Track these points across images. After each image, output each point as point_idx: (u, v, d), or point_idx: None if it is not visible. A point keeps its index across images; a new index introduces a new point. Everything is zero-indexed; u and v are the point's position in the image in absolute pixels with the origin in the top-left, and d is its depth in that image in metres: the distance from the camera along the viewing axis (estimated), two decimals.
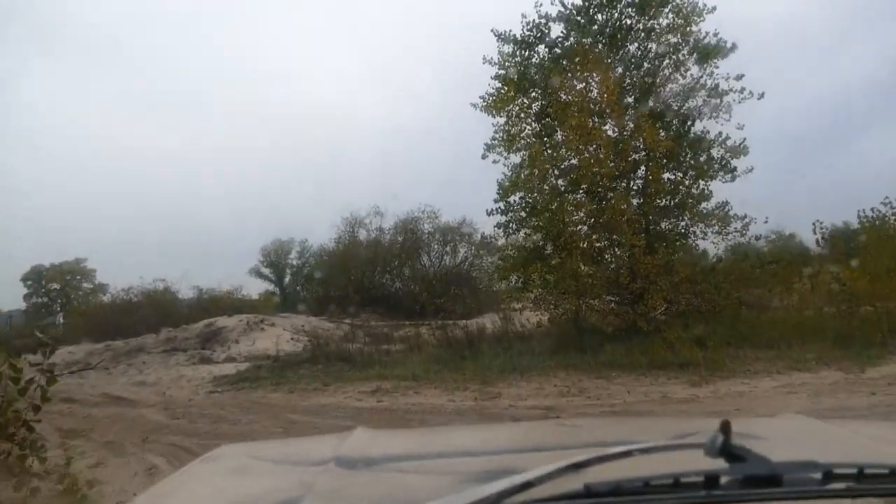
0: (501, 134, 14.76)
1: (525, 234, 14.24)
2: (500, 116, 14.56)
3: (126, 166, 70.25)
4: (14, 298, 45.94)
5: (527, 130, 14.62)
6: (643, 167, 13.19)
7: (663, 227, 13.46)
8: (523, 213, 14.34)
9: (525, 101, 14.50)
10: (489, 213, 14.18)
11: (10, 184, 67.31)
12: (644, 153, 12.90)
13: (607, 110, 12.55)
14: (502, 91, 14.31)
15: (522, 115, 14.60)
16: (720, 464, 0.94)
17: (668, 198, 13.40)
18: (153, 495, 1.55)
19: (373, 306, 29.95)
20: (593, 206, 12.87)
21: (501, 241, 15.07)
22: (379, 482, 1.30)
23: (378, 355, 13.77)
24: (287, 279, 54.66)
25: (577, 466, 0.95)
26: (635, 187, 13.43)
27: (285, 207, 66.15)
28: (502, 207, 14.26)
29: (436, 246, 32.26)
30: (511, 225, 14.09)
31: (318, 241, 35.80)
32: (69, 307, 43.35)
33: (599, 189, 13.37)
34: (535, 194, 14.11)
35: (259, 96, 77.42)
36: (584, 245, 13.58)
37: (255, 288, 46.83)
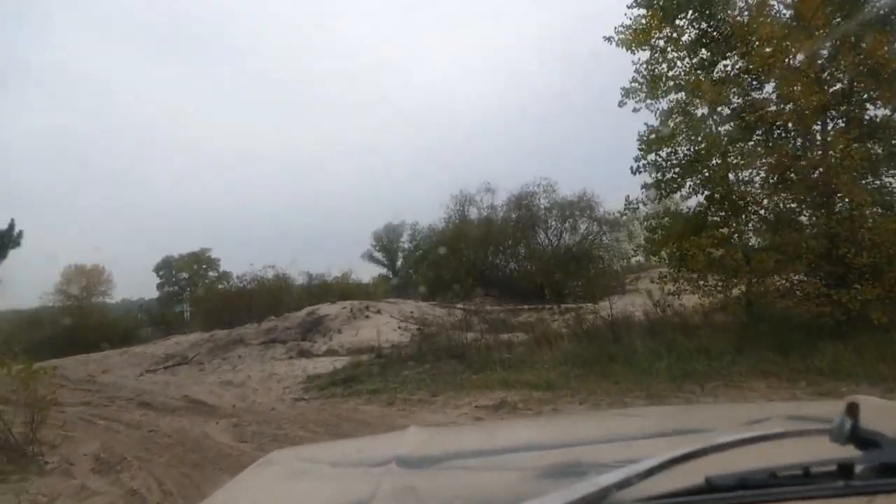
0: (644, 74, 11.58)
1: (682, 196, 11.02)
2: (643, 51, 11.38)
3: (247, 158, 71.86)
4: (149, 288, 47.27)
5: (678, 67, 11.36)
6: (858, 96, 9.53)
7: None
8: (675, 172, 11.13)
9: (674, 32, 11.25)
10: (635, 172, 11.05)
11: (144, 180, 70.47)
12: (861, 75, 9.21)
13: (807, 23, 9.05)
14: (645, 19, 11.12)
15: (671, 48, 11.34)
16: (851, 451, 0.82)
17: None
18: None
19: (486, 289, 27.33)
20: (779, 154, 9.46)
21: (645, 209, 11.86)
22: (446, 480, 1.19)
23: (497, 350, 11.06)
24: (399, 263, 53.58)
25: (689, 457, 0.82)
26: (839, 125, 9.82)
27: (397, 191, 65.08)
28: (653, 162, 11.10)
29: (553, 222, 29.08)
30: (664, 185, 10.90)
31: (429, 223, 33.45)
32: (195, 295, 44.39)
33: (785, 133, 9.95)
34: (697, 145, 10.87)
35: (371, 85, 77.02)
36: (765, 207, 10.19)
37: (369, 273, 45.55)
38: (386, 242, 53.75)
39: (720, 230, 10.42)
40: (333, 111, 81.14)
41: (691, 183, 10.99)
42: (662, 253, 11.37)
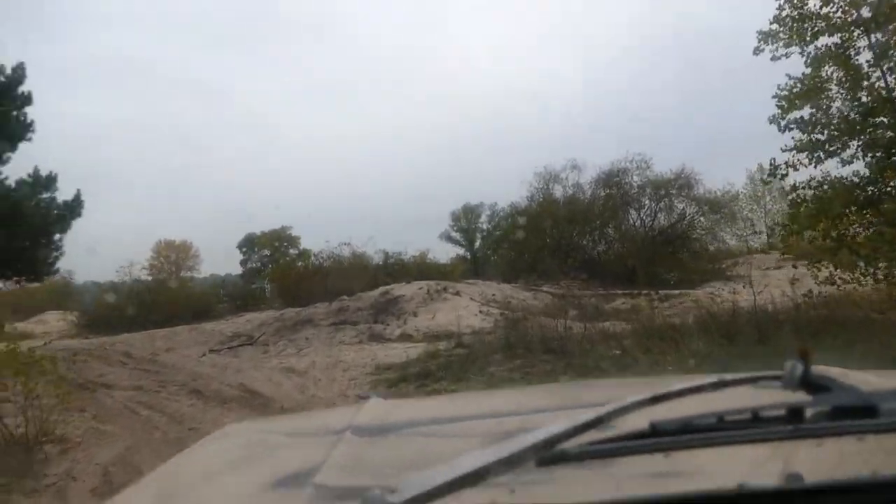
0: (789, 12, 9.22)
1: (842, 160, 8.63)
2: None
3: (330, 138, 71.84)
4: (236, 264, 47.95)
5: (834, 3, 8.94)
6: None
7: None
8: (831, 131, 8.77)
9: None
10: (783, 129, 8.76)
11: (225, 162, 71.61)
12: None
13: None
14: None
15: None
16: (802, 396, 0.84)
17: None
18: (161, 475, 1.30)
19: (573, 272, 25.17)
20: None
21: (788, 179, 9.45)
22: (401, 448, 1.19)
23: (601, 343, 9.08)
24: (477, 244, 51.99)
25: (637, 406, 0.81)
26: None
27: (476, 172, 63.29)
28: (801, 120, 8.79)
29: (647, 201, 26.47)
30: (819, 147, 8.57)
31: (511, 202, 31.38)
32: (272, 272, 44.44)
33: None
34: (856, 100, 8.51)
35: (452, 63, 75.28)
36: None
37: (447, 253, 44.12)
38: (464, 223, 52.21)
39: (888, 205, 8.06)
40: (414, 90, 80.00)
41: (856, 144, 8.62)
42: (811, 232, 9.03)
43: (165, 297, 21.36)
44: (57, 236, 13.74)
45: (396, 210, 57.96)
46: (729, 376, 0.97)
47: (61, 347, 16.51)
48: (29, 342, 20.92)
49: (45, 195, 13.29)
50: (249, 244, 50.25)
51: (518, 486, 0.72)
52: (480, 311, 15.02)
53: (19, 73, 12.92)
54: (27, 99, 12.90)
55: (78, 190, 14.05)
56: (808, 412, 0.79)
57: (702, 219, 25.80)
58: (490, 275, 30.28)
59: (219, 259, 76.23)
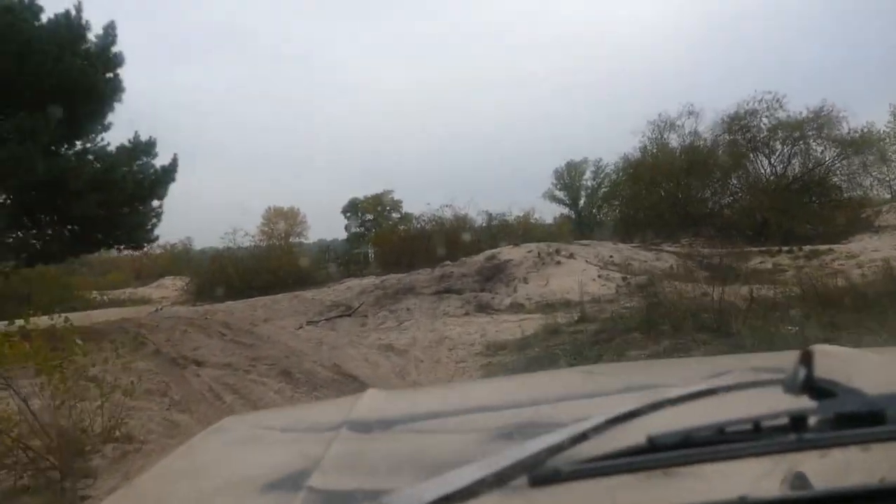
0: None
1: None
2: None
3: (430, 101, 70.54)
4: (341, 229, 48.43)
5: None
6: None
7: None
8: None
9: None
10: None
11: (336, 125, 71.98)
12: None
13: None
14: None
15: None
16: (805, 402, 0.76)
17: None
18: (158, 471, 1.29)
19: (694, 228, 22.58)
20: None
21: None
22: (397, 445, 1.14)
23: (763, 315, 7.11)
24: (582, 202, 49.51)
25: (633, 415, 0.75)
26: None
27: (578, 127, 60.05)
28: None
29: (779, 146, 23.22)
30: None
31: (620, 155, 28.73)
32: (374, 237, 44.19)
33: None
34: None
35: (552, 17, 71.52)
36: None
37: (549, 213, 42.05)
38: (567, 181, 49.79)
39: None
40: (517, 45, 76.89)
41: None
42: None
43: (269, 264, 20.84)
44: (155, 203, 13.18)
45: (497, 170, 56.20)
46: (730, 380, 0.92)
47: (168, 315, 16.27)
48: (143, 307, 21.25)
49: (144, 160, 12.65)
50: (353, 209, 50.51)
51: None
52: (599, 276, 13.18)
53: (111, 34, 12.18)
54: (119, 59, 12.18)
55: (175, 155, 13.39)
56: (812, 420, 0.71)
57: (844, 163, 22.31)
58: (598, 234, 28.11)
59: (328, 224, 77.61)
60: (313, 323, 12.26)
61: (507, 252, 15.68)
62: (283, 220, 55.36)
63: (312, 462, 0.98)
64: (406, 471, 0.96)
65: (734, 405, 0.85)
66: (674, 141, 25.87)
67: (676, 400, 0.79)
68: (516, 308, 11.57)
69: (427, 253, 21.96)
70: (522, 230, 25.37)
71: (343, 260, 27.83)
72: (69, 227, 11.79)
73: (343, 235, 49.30)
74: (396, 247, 26.07)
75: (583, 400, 1.28)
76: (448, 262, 16.07)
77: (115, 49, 12.07)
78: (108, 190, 10.80)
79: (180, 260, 38.76)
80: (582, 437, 0.70)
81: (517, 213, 28.61)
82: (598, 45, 69.19)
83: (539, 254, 14.93)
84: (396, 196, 48.40)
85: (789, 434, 0.70)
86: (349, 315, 12.42)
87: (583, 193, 49.67)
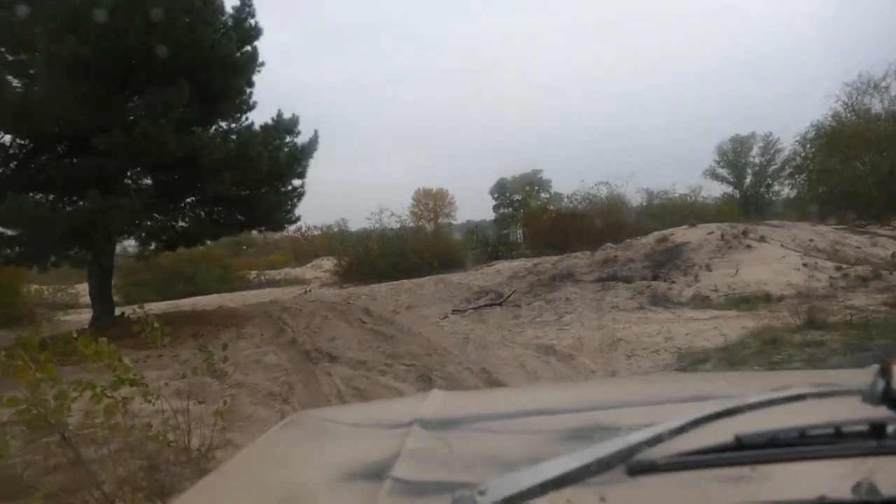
0: None
1: None
2: None
3: (579, 78, 67.06)
4: (488, 210, 47.59)
5: None
6: None
7: None
8: None
9: None
10: None
11: (483, 106, 70.84)
12: None
13: None
14: None
15: None
16: (883, 412, 0.76)
17: None
18: (238, 462, 1.32)
19: None
20: None
21: None
22: (469, 442, 1.15)
23: None
24: (748, 180, 44.47)
25: (719, 416, 0.77)
26: None
27: (743, 100, 53.82)
28: None
29: None
30: None
31: (811, 123, 24.44)
32: (524, 217, 42.56)
33: None
34: None
35: None
36: None
37: (712, 191, 37.89)
38: (732, 157, 44.85)
39: None
40: (673, 14, 70.84)
41: None
42: None
43: (415, 245, 19.80)
44: (296, 182, 12.36)
45: (654, 148, 51.90)
46: (811, 389, 0.88)
47: (313, 298, 15.67)
48: (294, 289, 21.18)
49: (286, 139, 11.83)
50: (501, 189, 49.54)
51: (608, 493, 0.76)
52: (805, 265, 10.43)
53: (247, 6, 11.39)
54: (256, 32, 11.38)
55: (315, 131, 12.45)
56: (890, 428, 0.73)
57: None
58: (770, 214, 24.34)
59: (475, 206, 77.11)
60: (459, 312, 10.79)
61: (681, 234, 13.21)
62: (432, 201, 55.23)
63: (389, 455, 1.00)
64: (481, 466, 0.95)
65: (814, 411, 0.85)
66: (877, 105, 21.40)
67: (759, 404, 0.80)
68: (701, 302, 9.28)
69: (582, 234, 19.95)
70: (689, 210, 22.33)
71: (491, 241, 26.27)
72: (207, 208, 11.22)
73: (490, 217, 48.07)
74: (548, 227, 24.18)
75: (648, 406, 1.24)
76: (610, 245, 13.90)
77: (251, 21, 11.25)
78: (243, 168, 9.95)
79: (335, 241, 39.50)
80: (675, 432, 0.71)
81: (682, 191, 25.44)
82: (768, 13, 61.63)
83: (722, 236, 12.33)
84: (546, 176, 46.12)
85: (869, 440, 0.72)
86: (499, 304, 10.78)
87: (749, 171, 44.56)
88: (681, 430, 0.72)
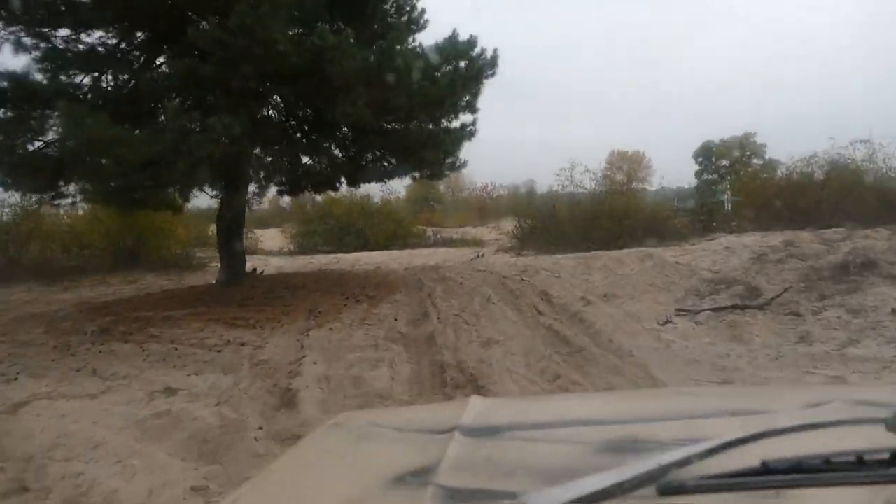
0: None
1: None
2: None
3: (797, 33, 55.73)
4: (688, 175, 41.69)
5: None
6: None
7: None
8: None
9: None
10: None
11: (686, 65, 62.36)
12: None
13: None
14: None
15: None
16: None
17: None
18: (284, 463, 1.31)
19: None
20: None
21: None
22: (509, 451, 1.12)
23: None
24: None
25: (746, 440, 0.81)
26: None
27: None
28: None
29: None
30: None
31: None
32: (737, 185, 36.13)
33: None
34: None
35: None
36: None
37: None
38: None
39: None
40: None
41: None
42: None
43: (611, 209, 15.49)
44: (468, 118, 8.91)
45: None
46: (834, 414, 0.95)
47: (482, 267, 12.23)
48: (467, 252, 18.09)
49: (460, 64, 8.36)
50: (706, 153, 43.42)
51: None
52: None
53: None
54: None
55: (495, 50, 8.87)
56: None
57: None
58: None
59: (671, 171, 69.06)
60: (688, 313, 6.66)
61: None
62: (627, 165, 49.56)
63: (432, 461, 1.00)
64: (521, 475, 0.95)
65: (838, 437, 0.88)
66: None
67: (785, 430, 0.83)
68: None
69: (824, 206, 14.64)
70: None
71: (705, 208, 20.88)
72: (338, 142, 8.18)
73: (686, 183, 41.79)
74: (775, 196, 18.43)
75: (684, 420, 1.22)
76: None
77: None
78: (384, 87, 6.64)
79: (522, 203, 36.08)
80: (705, 454, 0.75)
81: None
82: None
83: None
84: (760, 140, 39.00)
85: (890, 468, 0.73)
86: (759, 308, 6.45)
87: None
88: (711, 452, 0.76)
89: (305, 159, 8.42)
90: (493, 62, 8.79)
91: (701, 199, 31.00)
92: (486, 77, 8.66)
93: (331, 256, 16.03)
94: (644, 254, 10.58)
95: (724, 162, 42.48)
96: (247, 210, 9.91)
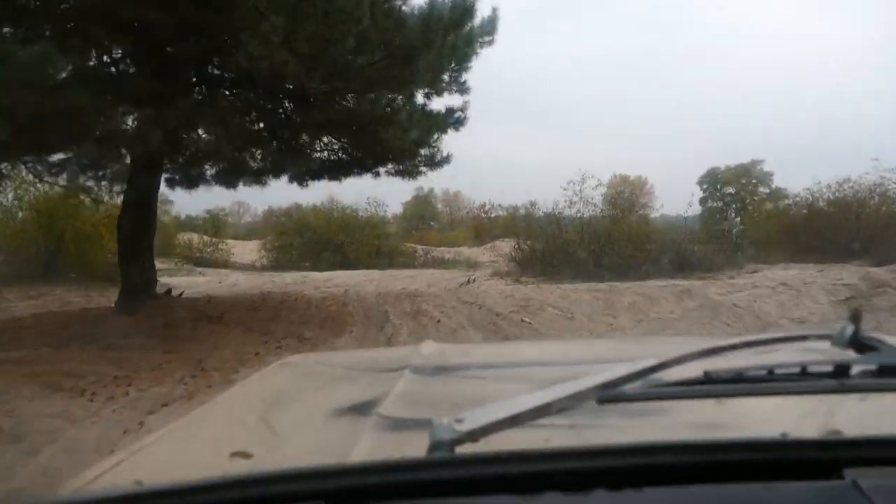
0: None
1: None
2: None
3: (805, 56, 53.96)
4: (682, 205, 39.30)
5: None
6: None
7: None
8: None
9: None
10: None
11: (687, 90, 60.61)
12: None
13: None
14: None
15: None
16: (850, 354, 0.78)
17: None
18: (230, 397, 1.25)
19: None
20: None
21: None
22: (458, 387, 1.14)
23: None
24: None
25: (692, 357, 0.78)
26: None
27: None
28: None
29: None
30: None
31: None
32: (744, 213, 33.91)
33: None
34: None
35: None
36: None
37: None
38: None
39: None
40: None
41: None
42: None
43: (630, 231, 12.81)
44: (457, 101, 6.37)
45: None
46: (780, 334, 0.89)
47: (469, 298, 9.40)
48: (458, 275, 15.39)
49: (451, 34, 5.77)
50: (712, 180, 41.36)
51: (578, 424, 0.75)
52: None
53: None
54: None
55: (494, 10, 6.36)
56: (855, 369, 0.72)
57: None
58: None
59: (673, 197, 67.04)
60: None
61: None
62: (629, 189, 47.14)
63: (378, 396, 0.98)
64: (465, 407, 0.85)
65: (783, 353, 0.88)
66: None
67: (732, 346, 0.80)
68: None
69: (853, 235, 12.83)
70: None
71: (734, 237, 18.26)
72: (262, 111, 5.57)
73: (687, 211, 39.41)
74: (799, 227, 15.93)
75: (633, 362, 1.05)
76: None
77: None
78: (316, 18, 4.03)
79: (520, 224, 33.45)
80: (647, 370, 0.71)
81: None
82: None
83: None
84: (767, 168, 37.41)
85: (832, 379, 0.71)
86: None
87: None
88: (653, 369, 0.72)
89: (204, 134, 5.69)
90: (490, 25, 6.24)
91: (706, 228, 28.54)
92: (483, 45, 6.12)
93: (298, 275, 13.38)
94: (681, 289, 7.94)
95: (730, 189, 40.44)
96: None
